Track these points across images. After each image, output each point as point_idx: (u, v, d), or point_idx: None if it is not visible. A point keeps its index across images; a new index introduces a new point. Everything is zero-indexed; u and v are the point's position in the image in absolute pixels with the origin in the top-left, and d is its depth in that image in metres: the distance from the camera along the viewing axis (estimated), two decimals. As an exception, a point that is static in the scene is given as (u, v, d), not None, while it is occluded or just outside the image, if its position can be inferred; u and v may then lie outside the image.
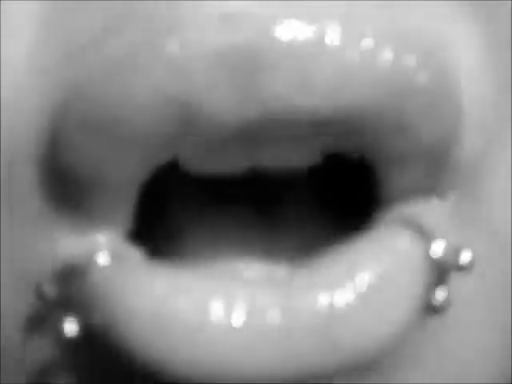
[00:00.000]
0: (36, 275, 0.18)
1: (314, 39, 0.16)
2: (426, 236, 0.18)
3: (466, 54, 0.18)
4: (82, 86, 0.17)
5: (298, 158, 0.18)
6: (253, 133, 0.17)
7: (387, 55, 0.16)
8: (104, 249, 0.17)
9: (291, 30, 0.16)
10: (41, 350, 0.18)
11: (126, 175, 0.17)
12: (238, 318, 0.16)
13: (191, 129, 0.16)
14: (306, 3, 0.16)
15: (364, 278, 0.17)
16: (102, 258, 0.17)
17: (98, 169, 0.17)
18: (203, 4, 0.16)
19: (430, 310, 0.18)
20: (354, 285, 0.17)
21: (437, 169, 0.18)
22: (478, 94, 0.18)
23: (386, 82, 0.16)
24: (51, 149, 0.17)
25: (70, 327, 0.17)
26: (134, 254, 0.18)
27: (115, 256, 0.17)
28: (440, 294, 0.18)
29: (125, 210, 0.18)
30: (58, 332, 0.17)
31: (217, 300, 0.16)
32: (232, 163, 0.18)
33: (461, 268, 0.18)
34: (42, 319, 0.18)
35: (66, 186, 0.17)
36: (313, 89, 0.16)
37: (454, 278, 0.18)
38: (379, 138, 0.17)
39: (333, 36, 0.16)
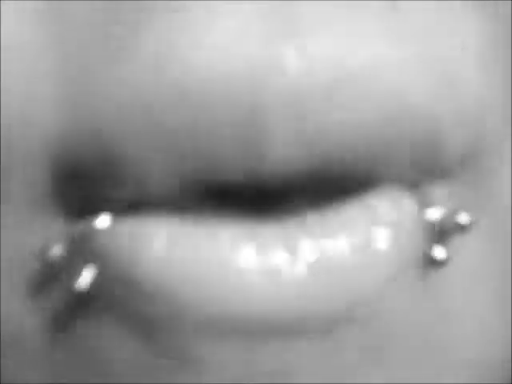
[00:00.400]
0: (37, 245, 0.18)
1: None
2: (425, 199, 0.20)
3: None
4: (92, 119, 0.17)
5: None
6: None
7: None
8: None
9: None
10: (44, 315, 0.19)
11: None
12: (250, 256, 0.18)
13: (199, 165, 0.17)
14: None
15: (357, 228, 0.18)
16: (102, 221, 0.18)
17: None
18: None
19: (431, 264, 0.20)
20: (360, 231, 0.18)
21: (427, 161, 0.19)
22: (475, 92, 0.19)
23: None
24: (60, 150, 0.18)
25: (85, 279, 0.18)
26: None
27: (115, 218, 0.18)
28: (439, 251, 0.20)
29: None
30: (70, 288, 0.18)
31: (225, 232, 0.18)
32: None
33: (460, 228, 0.20)
34: (45, 283, 0.19)
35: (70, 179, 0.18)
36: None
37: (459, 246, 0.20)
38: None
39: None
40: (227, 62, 0.16)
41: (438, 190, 0.20)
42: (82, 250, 0.18)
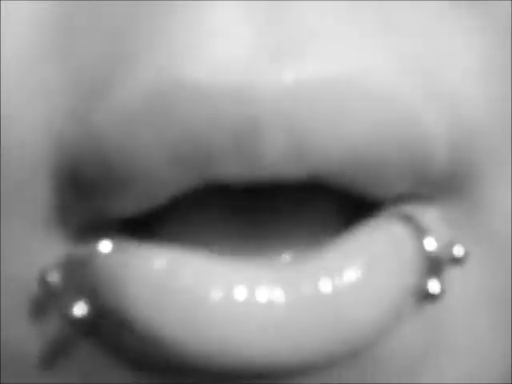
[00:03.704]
0: (38, 269, 0.18)
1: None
2: (420, 230, 0.19)
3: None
4: (92, 128, 0.17)
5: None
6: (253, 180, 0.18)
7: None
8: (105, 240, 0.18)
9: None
10: (43, 339, 0.19)
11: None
12: (239, 295, 0.17)
13: (197, 172, 0.17)
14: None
15: (356, 264, 0.18)
16: (104, 247, 0.18)
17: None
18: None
19: (425, 298, 0.19)
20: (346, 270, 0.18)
21: (420, 174, 0.18)
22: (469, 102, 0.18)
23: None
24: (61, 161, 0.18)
25: (80, 309, 0.18)
26: (133, 241, 0.18)
27: (116, 244, 0.18)
28: (433, 284, 0.19)
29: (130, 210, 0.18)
30: (67, 316, 0.18)
31: (217, 285, 0.17)
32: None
33: (454, 261, 0.19)
34: (44, 308, 0.18)
35: (73, 191, 0.18)
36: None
37: (453, 280, 0.19)
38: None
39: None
40: (225, 75, 0.17)
41: (433, 219, 0.19)
42: (77, 277, 0.18)
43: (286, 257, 0.19)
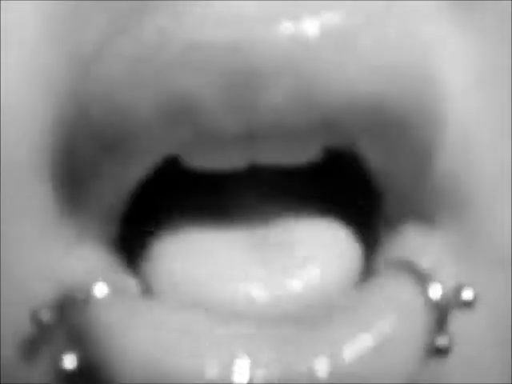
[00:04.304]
0: (33, 300, 0.17)
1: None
2: (424, 278, 0.17)
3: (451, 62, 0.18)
4: (85, 98, 0.17)
5: (297, 154, 0.17)
6: (250, 132, 0.17)
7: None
8: (100, 277, 0.17)
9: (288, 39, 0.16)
10: (36, 375, 0.18)
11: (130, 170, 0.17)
12: (238, 373, 0.16)
13: (191, 124, 0.16)
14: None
15: (369, 337, 0.16)
16: (99, 290, 0.17)
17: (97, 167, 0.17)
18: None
19: (433, 353, 0.17)
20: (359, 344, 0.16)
21: (421, 173, 0.17)
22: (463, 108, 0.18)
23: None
24: (54, 155, 0.17)
25: (70, 361, 0.17)
26: (131, 285, 0.17)
27: (111, 286, 0.17)
28: (442, 339, 0.17)
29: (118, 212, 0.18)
30: (57, 364, 0.17)
31: (214, 358, 0.16)
32: (231, 160, 0.17)
33: (463, 305, 0.17)
34: (38, 344, 0.17)
35: (67, 196, 0.17)
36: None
37: (458, 317, 0.17)
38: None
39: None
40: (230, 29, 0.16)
41: (438, 255, 0.18)
42: (69, 321, 0.17)
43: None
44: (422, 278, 0.17)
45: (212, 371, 0.15)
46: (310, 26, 0.16)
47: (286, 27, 0.16)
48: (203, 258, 0.18)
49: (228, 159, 0.17)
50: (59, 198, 0.17)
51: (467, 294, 0.17)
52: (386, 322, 0.16)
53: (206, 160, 0.17)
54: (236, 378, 0.15)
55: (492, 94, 0.18)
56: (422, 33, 0.17)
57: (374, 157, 0.17)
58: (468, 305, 0.17)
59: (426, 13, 0.17)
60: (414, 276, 0.17)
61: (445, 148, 0.17)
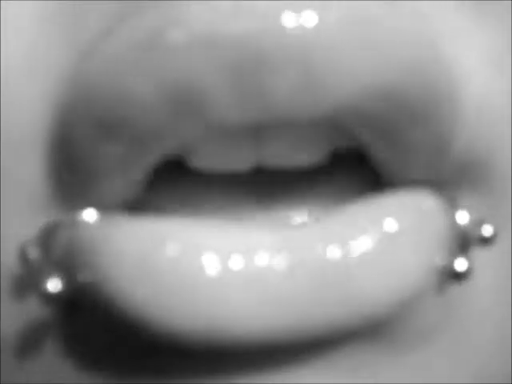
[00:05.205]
0: (21, 239, 0.17)
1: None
2: (452, 203, 0.18)
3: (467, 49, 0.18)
4: (87, 84, 0.16)
5: (303, 154, 0.18)
6: (256, 127, 0.16)
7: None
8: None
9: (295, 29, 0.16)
10: (25, 316, 0.17)
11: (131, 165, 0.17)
12: (234, 264, 0.16)
13: (195, 117, 0.16)
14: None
15: (385, 227, 0.16)
16: (88, 215, 0.17)
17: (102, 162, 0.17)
18: None
19: (451, 277, 0.17)
20: (375, 232, 0.16)
21: (440, 156, 0.17)
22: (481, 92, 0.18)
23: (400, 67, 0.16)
24: (54, 139, 0.17)
25: (54, 285, 0.16)
26: (119, 213, 0.17)
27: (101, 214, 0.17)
28: (461, 263, 0.17)
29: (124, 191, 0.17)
30: (41, 292, 0.16)
31: (210, 250, 0.16)
32: (236, 159, 0.17)
33: (483, 240, 0.18)
34: (25, 284, 0.17)
35: (66, 171, 0.17)
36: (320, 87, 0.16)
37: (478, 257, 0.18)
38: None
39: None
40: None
41: (465, 196, 0.18)
42: (57, 250, 0.16)
43: (297, 219, 0.18)
44: (449, 202, 0.17)
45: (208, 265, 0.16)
46: (324, 15, 0.16)
47: (298, 17, 0.16)
48: None
49: (234, 158, 0.17)
50: (56, 186, 0.17)
51: (488, 229, 0.17)
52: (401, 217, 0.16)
53: (212, 159, 0.17)
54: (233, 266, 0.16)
55: (510, 72, 0.18)
56: (435, 19, 0.17)
57: (385, 148, 0.17)
58: (488, 240, 0.17)
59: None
60: (441, 197, 0.17)
61: (464, 128, 0.17)
